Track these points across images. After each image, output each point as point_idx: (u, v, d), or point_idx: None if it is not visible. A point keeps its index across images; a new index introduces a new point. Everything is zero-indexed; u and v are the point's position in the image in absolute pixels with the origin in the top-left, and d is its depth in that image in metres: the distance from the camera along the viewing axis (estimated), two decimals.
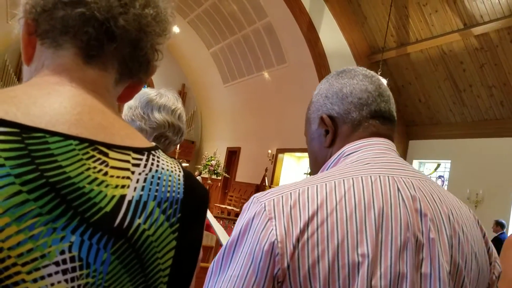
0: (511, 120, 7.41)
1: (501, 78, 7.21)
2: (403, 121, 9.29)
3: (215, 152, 14.25)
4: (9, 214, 0.44)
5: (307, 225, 0.61)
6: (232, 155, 14.15)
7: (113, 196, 0.50)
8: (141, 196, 0.53)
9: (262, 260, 0.60)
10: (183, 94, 16.37)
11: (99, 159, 0.51)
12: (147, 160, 0.55)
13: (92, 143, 0.51)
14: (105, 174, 0.51)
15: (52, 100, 0.52)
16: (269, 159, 11.80)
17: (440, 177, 9.02)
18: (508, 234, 5.04)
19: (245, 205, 0.67)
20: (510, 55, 6.89)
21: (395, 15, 8.08)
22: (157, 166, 0.56)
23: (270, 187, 10.43)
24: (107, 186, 0.50)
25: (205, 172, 13.18)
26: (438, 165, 9.07)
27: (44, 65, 0.57)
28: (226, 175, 13.53)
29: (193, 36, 13.82)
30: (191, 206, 0.58)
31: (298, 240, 0.60)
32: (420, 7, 7.64)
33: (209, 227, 4.05)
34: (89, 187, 0.49)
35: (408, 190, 0.68)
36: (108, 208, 0.50)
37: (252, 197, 0.67)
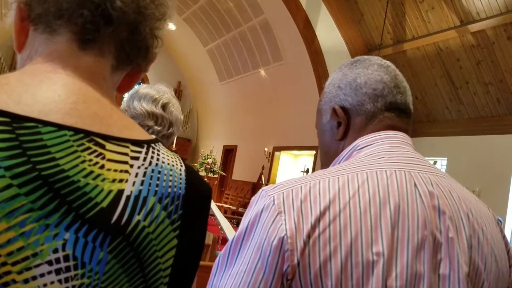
0: (507, 117, 7.42)
1: (498, 75, 7.22)
2: None
3: (211, 150, 14.24)
4: None
5: (318, 220, 0.58)
6: (229, 153, 14.12)
7: (110, 191, 0.47)
8: (140, 191, 0.49)
9: (270, 256, 0.57)
10: (178, 91, 16.29)
11: (95, 151, 0.48)
12: (146, 153, 0.52)
13: (87, 134, 0.48)
14: (102, 167, 0.47)
15: (45, 88, 0.48)
16: (266, 157, 11.78)
17: None
18: (505, 231, 5.05)
19: (252, 198, 0.64)
20: (507, 52, 6.90)
21: (391, 12, 8.08)
22: (157, 159, 0.53)
23: (266, 185, 10.41)
24: (103, 180, 0.47)
25: (202, 170, 13.15)
26: (435, 163, 9.08)
27: (38, 52, 0.54)
28: (223, 173, 13.52)
29: (189, 33, 13.76)
30: (194, 202, 0.54)
31: (309, 236, 0.57)
32: (416, 4, 7.64)
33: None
34: (84, 181, 0.46)
35: (426, 186, 0.65)
36: (104, 204, 0.46)
37: (260, 190, 0.64)
